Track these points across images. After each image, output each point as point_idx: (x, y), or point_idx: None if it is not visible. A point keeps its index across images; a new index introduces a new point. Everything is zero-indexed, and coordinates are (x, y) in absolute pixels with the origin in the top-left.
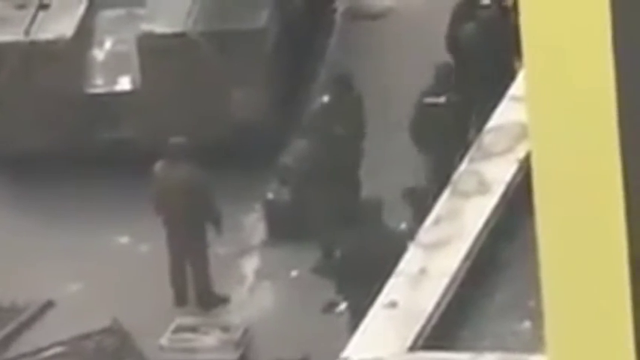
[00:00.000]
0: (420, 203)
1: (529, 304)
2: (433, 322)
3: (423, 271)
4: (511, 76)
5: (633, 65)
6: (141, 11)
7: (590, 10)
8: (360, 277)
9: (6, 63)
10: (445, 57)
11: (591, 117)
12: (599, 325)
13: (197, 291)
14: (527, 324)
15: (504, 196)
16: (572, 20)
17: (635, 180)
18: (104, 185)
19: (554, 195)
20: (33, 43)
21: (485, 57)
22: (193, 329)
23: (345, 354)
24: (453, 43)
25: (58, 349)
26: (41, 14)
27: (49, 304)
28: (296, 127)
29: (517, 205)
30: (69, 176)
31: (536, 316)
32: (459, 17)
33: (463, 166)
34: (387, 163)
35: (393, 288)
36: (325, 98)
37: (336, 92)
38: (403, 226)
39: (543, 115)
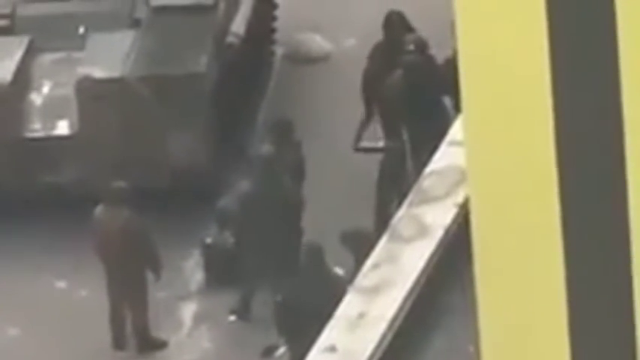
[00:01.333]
0: (360, 247)
1: (468, 349)
2: None
3: (361, 316)
4: (443, 121)
5: (573, 110)
6: (80, 55)
7: (529, 55)
8: (300, 321)
9: None
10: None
11: (531, 163)
12: None
13: (136, 335)
14: None
15: (443, 240)
16: (511, 67)
17: (575, 226)
18: (43, 229)
19: (493, 240)
20: None
21: (413, 102)
22: None
23: None
24: (376, 87)
25: None
26: None
27: None
28: (235, 172)
29: (456, 250)
30: (7, 220)
31: None
32: (381, 62)
33: (402, 211)
34: (327, 209)
35: (332, 332)
36: (265, 143)
37: (276, 137)
38: (340, 271)
39: (482, 159)
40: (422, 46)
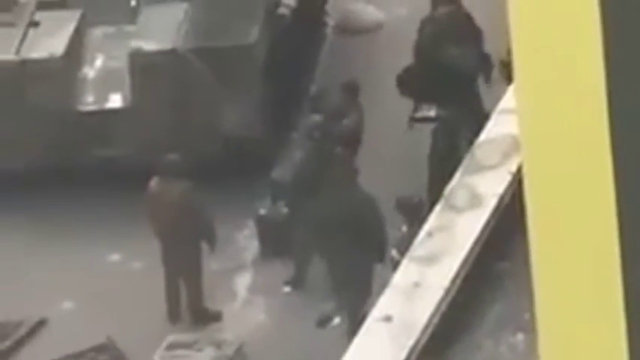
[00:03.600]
0: (414, 215)
1: (524, 316)
2: (428, 335)
3: (417, 285)
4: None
5: (626, 78)
6: (131, 28)
7: (580, 23)
8: (356, 290)
9: None
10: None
11: (584, 129)
12: (593, 338)
13: (190, 307)
14: (521, 336)
15: (497, 209)
16: (563, 34)
17: (628, 193)
18: (97, 203)
19: (547, 208)
20: (24, 62)
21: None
22: (187, 346)
23: None
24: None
25: None
26: (32, 32)
27: (41, 323)
28: (288, 143)
29: (510, 218)
30: (61, 194)
31: (531, 328)
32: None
33: (455, 180)
34: (382, 177)
35: (388, 302)
36: (318, 109)
37: (342, 99)
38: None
39: (535, 127)
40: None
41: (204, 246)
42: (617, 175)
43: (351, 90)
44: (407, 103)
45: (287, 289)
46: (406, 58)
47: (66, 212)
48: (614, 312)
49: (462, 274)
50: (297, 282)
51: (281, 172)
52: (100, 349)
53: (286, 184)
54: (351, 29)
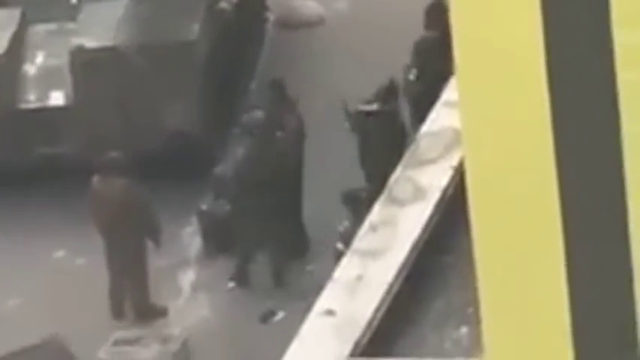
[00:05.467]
0: (359, 208)
1: (467, 310)
2: (372, 329)
3: (359, 279)
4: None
5: (567, 70)
6: (72, 26)
7: (521, 16)
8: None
9: None
10: (372, 66)
11: (525, 122)
12: (536, 330)
13: (135, 303)
14: (464, 330)
15: (440, 203)
16: (504, 27)
17: (570, 184)
18: (40, 200)
19: (489, 202)
20: None
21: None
22: (132, 342)
23: None
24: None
25: None
26: None
27: None
28: (229, 138)
29: (453, 212)
30: (4, 191)
31: (475, 322)
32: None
33: (398, 172)
34: (327, 170)
35: (330, 296)
36: (257, 107)
37: (271, 98)
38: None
39: (476, 121)
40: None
41: (149, 243)
42: (559, 166)
43: (278, 88)
44: (348, 96)
45: (231, 284)
46: (347, 52)
47: (9, 210)
48: (558, 303)
49: (406, 268)
50: (240, 277)
51: (223, 169)
52: (44, 346)
53: (228, 180)
54: (291, 24)
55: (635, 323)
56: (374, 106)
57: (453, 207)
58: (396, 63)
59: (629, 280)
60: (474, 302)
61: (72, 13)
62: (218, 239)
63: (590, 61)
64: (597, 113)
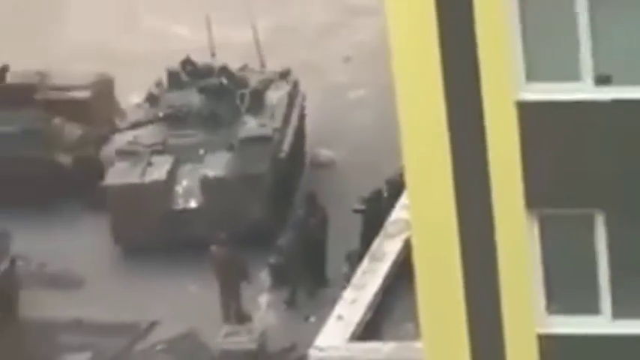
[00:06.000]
0: (354, 261)
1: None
2: (362, 325)
3: (354, 301)
4: None
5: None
6: (201, 165)
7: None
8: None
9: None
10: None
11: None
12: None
13: (235, 313)
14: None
15: (395, 261)
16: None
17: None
18: (181, 262)
19: (429, 258)
20: (143, 184)
21: None
22: (234, 334)
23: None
24: None
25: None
26: (149, 168)
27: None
28: (286, 224)
29: (404, 267)
30: (157, 257)
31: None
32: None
33: (375, 243)
34: (337, 239)
35: (340, 306)
36: (301, 210)
37: (307, 203)
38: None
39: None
40: None
41: (243, 281)
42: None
43: (312, 197)
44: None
45: (285, 306)
46: (348, 181)
47: (164, 265)
48: (458, 312)
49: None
50: (290, 300)
51: (282, 240)
52: (186, 337)
53: (285, 247)
54: (315, 163)
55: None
56: (362, 207)
57: (403, 266)
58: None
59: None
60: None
61: (201, 158)
62: (280, 279)
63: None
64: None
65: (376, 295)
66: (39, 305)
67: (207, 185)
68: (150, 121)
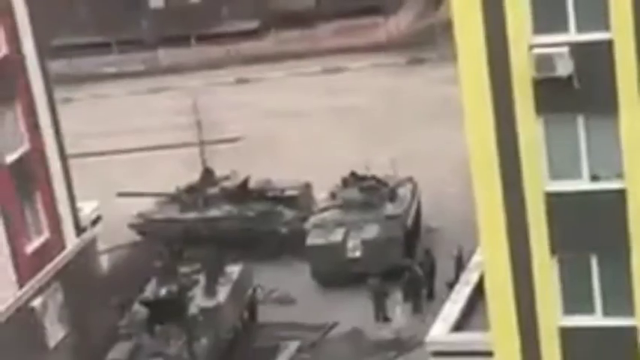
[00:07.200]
0: (452, 287)
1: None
2: (455, 325)
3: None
4: None
5: None
6: (361, 232)
7: None
8: None
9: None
10: None
11: None
12: None
13: (382, 317)
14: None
15: (474, 287)
16: None
17: None
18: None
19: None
20: (330, 243)
21: None
22: (381, 329)
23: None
24: None
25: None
26: (331, 235)
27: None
28: (410, 268)
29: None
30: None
31: None
32: None
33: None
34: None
35: (442, 314)
36: (420, 257)
37: (423, 254)
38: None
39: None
40: None
41: None
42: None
43: (426, 251)
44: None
45: (410, 313)
46: None
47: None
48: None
49: None
50: (414, 310)
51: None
52: (353, 332)
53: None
54: None
55: None
56: (456, 254)
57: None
58: None
59: None
60: None
61: (362, 228)
62: (408, 296)
63: None
64: None
65: (464, 306)
66: (269, 314)
67: (366, 244)
68: (332, 207)
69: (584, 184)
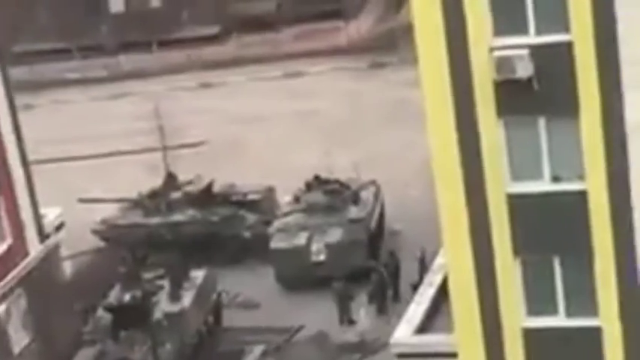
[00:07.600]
0: (416, 289)
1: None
2: (419, 327)
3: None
4: None
5: None
6: (325, 235)
7: None
8: None
9: None
10: None
11: None
12: None
13: (347, 319)
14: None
15: (438, 288)
16: None
17: None
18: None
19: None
20: (293, 247)
21: None
22: (346, 332)
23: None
24: None
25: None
26: (295, 238)
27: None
28: (374, 270)
29: None
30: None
31: None
32: None
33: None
34: None
35: (407, 315)
36: (384, 259)
37: (387, 256)
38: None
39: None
40: None
41: None
42: None
43: (390, 252)
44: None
45: (375, 315)
46: None
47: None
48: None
49: None
50: (378, 312)
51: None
52: (318, 335)
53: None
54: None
55: None
56: (419, 256)
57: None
58: None
59: None
60: None
61: (325, 232)
62: (372, 299)
63: None
64: None
65: (428, 307)
66: (234, 319)
67: (330, 247)
68: (295, 211)
69: (545, 186)
